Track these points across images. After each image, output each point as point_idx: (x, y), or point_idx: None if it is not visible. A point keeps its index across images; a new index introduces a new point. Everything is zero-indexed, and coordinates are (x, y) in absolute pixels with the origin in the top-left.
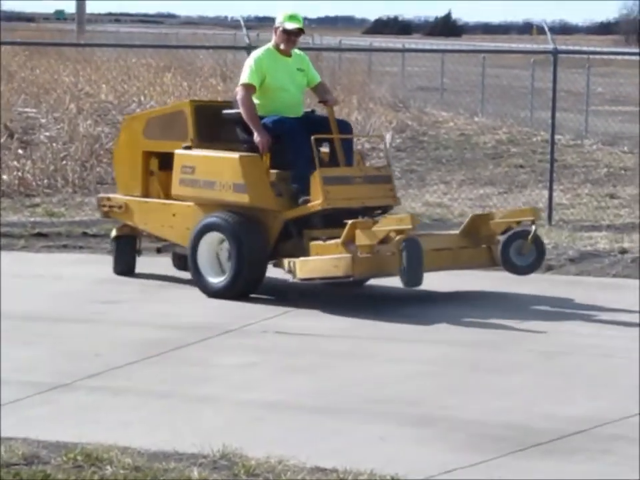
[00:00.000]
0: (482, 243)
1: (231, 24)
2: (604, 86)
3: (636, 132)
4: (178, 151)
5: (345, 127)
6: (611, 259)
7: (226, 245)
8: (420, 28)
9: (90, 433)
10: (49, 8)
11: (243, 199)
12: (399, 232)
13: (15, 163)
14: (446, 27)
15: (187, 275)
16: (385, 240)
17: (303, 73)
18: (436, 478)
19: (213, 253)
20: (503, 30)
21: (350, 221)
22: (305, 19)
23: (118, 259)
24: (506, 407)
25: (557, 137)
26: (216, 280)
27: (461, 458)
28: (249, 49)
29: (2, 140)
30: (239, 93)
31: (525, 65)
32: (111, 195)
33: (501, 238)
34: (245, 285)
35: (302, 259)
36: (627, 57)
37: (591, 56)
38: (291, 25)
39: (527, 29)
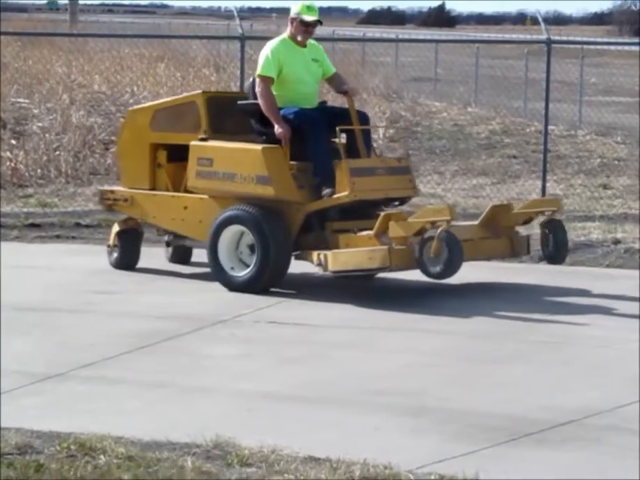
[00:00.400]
0: (502, 233)
1: (224, 14)
2: (597, 76)
3: (629, 123)
4: (194, 143)
5: (364, 117)
6: (604, 249)
7: (247, 238)
8: (413, 18)
9: (83, 422)
10: None
11: (268, 191)
12: (433, 223)
13: (8, 153)
14: (439, 17)
15: (183, 268)
16: (420, 232)
17: (318, 63)
18: (428, 467)
19: (234, 246)
20: (497, 20)
21: (382, 213)
22: None
23: (123, 253)
24: (500, 397)
25: (550, 127)
26: (239, 273)
27: (454, 448)
28: (242, 39)
29: None
30: (257, 85)
31: (518, 55)
32: (114, 188)
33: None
34: (270, 278)
35: (334, 251)
36: (620, 48)
37: (585, 46)
38: (309, 17)
39: (520, 19)
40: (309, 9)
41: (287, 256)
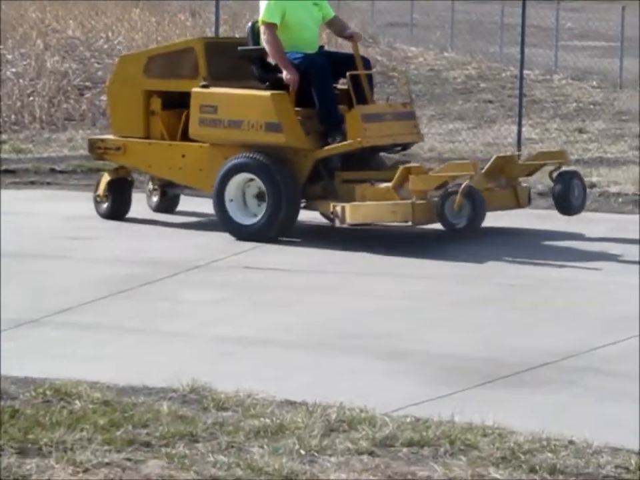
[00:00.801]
0: (506, 184)
1: None
2: (573, 21)
3: (605, 67)
4: (196, 90)
5: (367, 62)
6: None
7: (254, 186)
8: None
9: (59, 368)
10: None
11: (278, 138)
12: (454, 178)
13: None
14: None
15: (167, 217)
16: (441, 186)
17: (319, 7)
18: (404, 410)
19: (242, 195)
20: None
21: (402, 166)
22: None
23: (114, 203)
24: (475, 340)
25: (526, 72)
26: (249, 222)
27: (430, 390)
28: None
29: None
30: (262, 31)
31: None
32: (105, 137)
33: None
34: (281, 226)
35: (353, 203)
36: None
37: None
38: None
39: None
40: None
41: (297, 204)
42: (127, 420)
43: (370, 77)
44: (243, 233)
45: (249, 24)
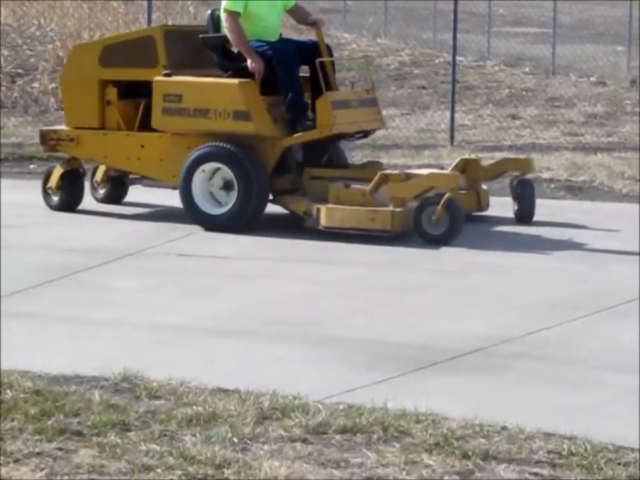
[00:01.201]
0: (468, 187)
1: None
2: (505, 7)
3: (537, 53)
4: (158, 78)
5: (329, 49)
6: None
7: (222, 175)
8: None
9: None
10: None
11: (247, 127)
12: (434, 188)
13: None
14: None
15: (112, 207)
16: (420, 195)
17: None
18: (337, 397)
19: (209, 184)
20: None
21: (380, 172)
22: None
23: (67, 195)
24: (406, 326)
25: (459, 58)
26: (218, 211)
27: (362, 377)
28: None
29: None
30: (225, 19)
31: None
32: (57, 128)
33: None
34: (252, 214)
35: (329, 206)
36: None
37: None
38: None
39: None
40: None
41: (267, 193)
42: (58, 409)
43: (333, 64)
44: (212, 223)
45: (208, 11)
